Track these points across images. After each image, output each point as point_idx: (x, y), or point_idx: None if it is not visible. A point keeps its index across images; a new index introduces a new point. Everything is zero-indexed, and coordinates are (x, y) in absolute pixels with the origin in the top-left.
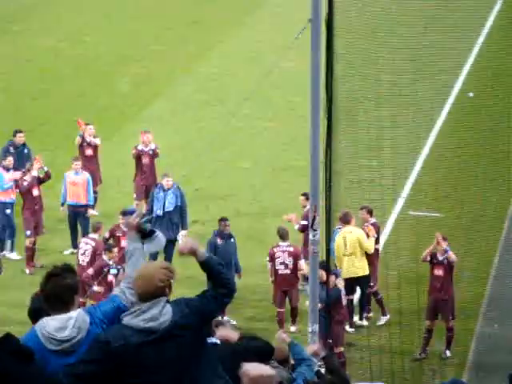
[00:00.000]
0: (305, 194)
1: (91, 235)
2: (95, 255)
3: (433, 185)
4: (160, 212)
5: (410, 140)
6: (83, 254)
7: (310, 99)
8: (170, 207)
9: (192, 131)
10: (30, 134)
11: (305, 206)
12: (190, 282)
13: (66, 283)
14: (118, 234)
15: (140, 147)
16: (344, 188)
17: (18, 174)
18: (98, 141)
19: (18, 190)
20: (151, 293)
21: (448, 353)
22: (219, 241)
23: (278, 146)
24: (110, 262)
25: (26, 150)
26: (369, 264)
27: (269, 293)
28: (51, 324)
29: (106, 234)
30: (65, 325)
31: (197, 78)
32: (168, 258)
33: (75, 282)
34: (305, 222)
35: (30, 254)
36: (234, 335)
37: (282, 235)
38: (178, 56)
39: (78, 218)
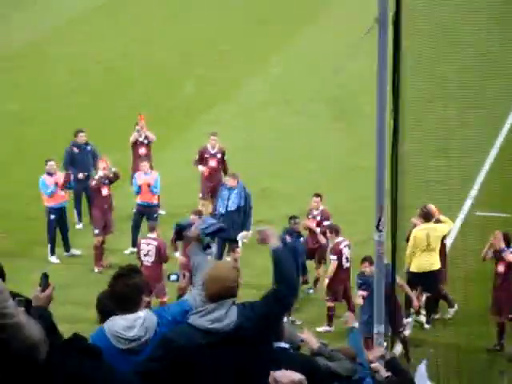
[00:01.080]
0: (318, 195)
1: (150, 235)
2: (159, 254)
3: (501, 185)
4: (223, 210)
5: (479, 140)
6: (146, 254)
7: (376, 99)
8: (232, 207)
9: (258, 131)
10: (99, 134)
11: (317, 209)
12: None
13: (134, 283)
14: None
15: (206, 149)
16: (410, 189)
17: (61, 176)
18: (153, 136)
19: (65, 191)
20: (223, 293)
21: None
22: (288, 238)
23: (344, 147)
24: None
25: (89, 148)
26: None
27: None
28: (119, 323)
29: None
30: (133, 324)
31: (263, 79)
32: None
33: (142, 282)
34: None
35: (98, 253)
36: (314, 342)
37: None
38: (244, 56)
39: (144, 218)
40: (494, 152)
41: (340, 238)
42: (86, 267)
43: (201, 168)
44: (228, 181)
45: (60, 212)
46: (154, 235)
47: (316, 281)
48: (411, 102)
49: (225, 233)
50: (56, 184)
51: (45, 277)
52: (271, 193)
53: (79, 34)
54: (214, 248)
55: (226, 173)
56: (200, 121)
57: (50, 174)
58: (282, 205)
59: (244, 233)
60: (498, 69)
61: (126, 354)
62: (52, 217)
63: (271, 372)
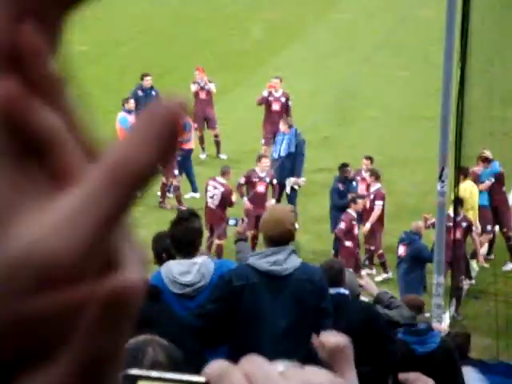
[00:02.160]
0: (369, 158)
1: (219, 179)
2: (224, 200)
3: None
4: (275, 155)
5: None
6: (212, 197)
7: (444, 48)
8: (283, 152)
9: (323, 78)
10: (164, 78)
11: (367, 171)
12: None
13: (194, 227)
14: (253, 180)
15: (269, 93)
16: (476, 140)
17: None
18: (213, 87)
19: None
20: (282, 236)
21: None
22: (341, 186)
23: (409, 95)
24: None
25: (153, 93)
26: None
27: None
28: (176, 268)
29: (242, 180)
30: (189, 269)
31: (330, 25)
32: (291, 200)
33: (201, 227)
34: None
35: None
36: (373, 288)
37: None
38: (311, 2)
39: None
40: None
41: (379, 185)
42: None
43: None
44: (282, 126)
45: None
46: (223, 180)
47: None
48: (479, 52)
49: None
50: None
51: None
52: (333, 140)
53: None
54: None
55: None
56: (266, 65)
57: (129, 112)
58: (344, 153)
59: (293, 179)
60: None
61: (182, 299)
62: None
63: (315, 336)
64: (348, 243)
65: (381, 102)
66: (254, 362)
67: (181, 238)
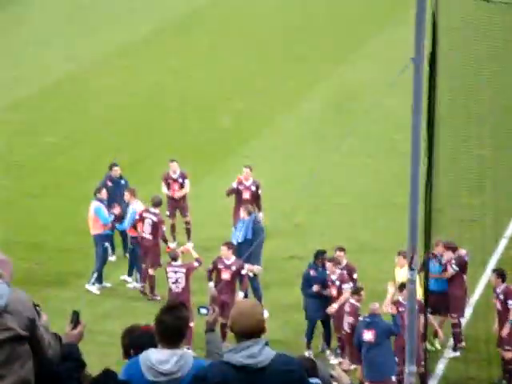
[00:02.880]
0: (341, 249)
1: (174, 263)
2: (188, 278)
3: None
4: (234, 241)
5: None
6: (175, 282)
7: (411, 137)
8: (241, 238)
9: (292, 166)
10: (134, 167)
11: (340, 263)
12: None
13: (185, 317)
14: (219, 267)
15: (239, 182)
16: (444, 226)
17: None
18: (187, 183)
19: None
20: (253, 327)
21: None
22: (312, 272)
23: (377, 183)
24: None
25: (123, 182)
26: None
27: None
28: (156, 356)
29: (210, 266)
30: (168, 359)
31: (298, 114)
32: (253, 289)
33: (188, 318)
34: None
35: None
36: (346, 379)
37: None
38: (279, 92)
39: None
40: None
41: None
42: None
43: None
44: (242, 213)
45: (110, 239)
46: (179, 263)
47: None
48: (446, 141)
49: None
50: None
51: (75, 314)
52: (304, 228)
53: (116, 67)
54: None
55: (258, 206)
56: (236, 154)
57: (101, 201)
58: (314, 241)
59: (248, 266)
60: None
61: None
62: (106, 244)
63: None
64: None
65: (350, 189)
66: None
67: (169, 327)
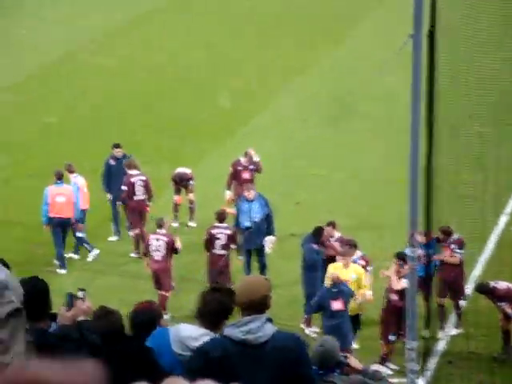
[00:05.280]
0: (331, 224)
1: (159, 230)
2: (169, 248)
3: None
4: (248, 223)
5: None
6: (156, 249)
7: (411, 114)
8: (257, 217)
9: (291, 146)
10: (134, 147)
11: (332, 236)
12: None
13: (227, 302)
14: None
15: (240, 162)
16: (444, 204)
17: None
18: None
19: None
20: (257, 303)
21: None
22: (315, 246)
23: (377, 160)
24: None
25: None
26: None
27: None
28: (188, 331)
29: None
30: (200, 338)
31: (297, 94)
32: (261, 266)
33: (229, 307)
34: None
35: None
36: (358, 365)
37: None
38: (277, 72)
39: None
40: None
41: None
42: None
43: (228, 193)
44: (247, 195)
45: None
46: (163, 231)
47: None
48: (447, 117)
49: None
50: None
51: (69, 296)
52: (303, 205)
53: (115, 47)
54: None
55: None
56: (234, 134)
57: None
58: (314, 218)
59: (269, 238)
60: None
61: (179, 361)
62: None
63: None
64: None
65: (349, 166)
66: None
67: (207, 307)
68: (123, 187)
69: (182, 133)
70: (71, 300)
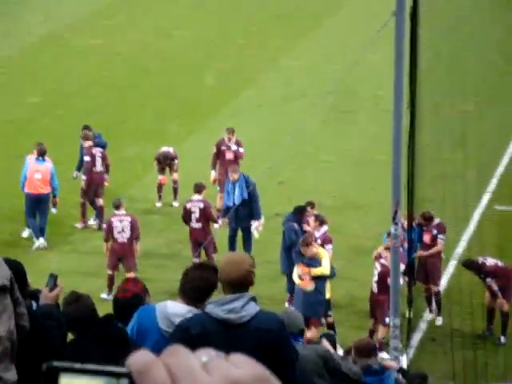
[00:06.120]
0: (310, 204)
1: (119, 212)
2: (134, 229)
3: None
4: (230, 204)
5: (497, 134)
6: (121, 231)
7: (393, 92)
8: (237, 200)
9: (277, 124)
10: (118, 127)
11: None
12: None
13: (211, 279)
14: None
15: (224, 141)
16: (427, 182)
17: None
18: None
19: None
20: (241, 279)
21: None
22: (295, 225)
23: (361, 140)
24: None
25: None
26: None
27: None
28: (174, 308)
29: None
30: (185, 314)
31: (282, 72)
32: (245, 245)
33: (215, 283)
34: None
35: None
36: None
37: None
38: (263, 50)
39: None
40: None
41: (326, 227)
42: None
43: (212, 173)
44: (231, 175)
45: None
46: (122, 211)
47: None
48: (429, 95)
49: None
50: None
51: (52, 277)
52: (288, 186)
53: (100, 26)
54: None
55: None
56: (219, 113)
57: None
58: (299, 198)
59: (256, 223)
60: None
61: (165, 337)
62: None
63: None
64: None
65: (335, 146)
66: (176, 354)
67: (191, 283)
68: (86, 158)
69: (167, 112)
70: (54, 280)
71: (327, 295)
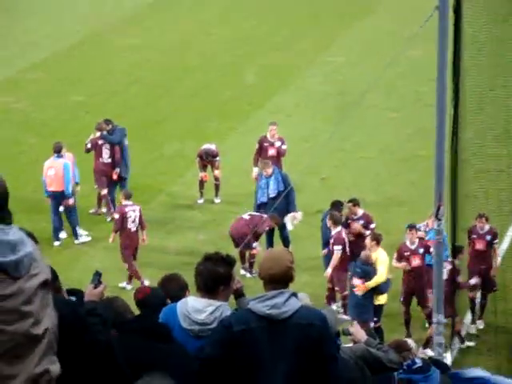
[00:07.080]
0: (353, 201)
1: (128, 202)
2: (141, 219)
3: None
4: (264, 199)
5: None
6: (134, 221)
7: (436, 88)
8: (272, 193)
9: (317, 122)
10: (160, 125)
11: (355, 214)
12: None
13: (225, 268)
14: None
15: (266, 138)
16: (471, 177)
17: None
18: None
19: None
20: (281, 275)
21: None
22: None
23: (403, 136)
24: None
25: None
26: None
27: None
28: (192, 304)
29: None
30: (203, 309)
31: (322, 69)
32: (283, 239)
33: (227, 275)
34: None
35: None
36: (362, 335)
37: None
38: (303, 48)
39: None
40: None
41: (339, 228)
42: None
43: (255, 170)
44: (264, 170)
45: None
46: (131, 202)
47: None
48: (472, 90)
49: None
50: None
51: (97, 274)
52: (330, 182)
53: (140, 25)
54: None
55: (280, 163)
56: (260, 111)
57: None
58: (341, 194)
59: (291, 214)
60: None
61: (189, 335)
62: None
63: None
64: None
65: (376, 143)
66: None
67: (204, 275)
68: (88, 145)
69: (208, 109)
70: (98, 277)
71: (381, 301)
